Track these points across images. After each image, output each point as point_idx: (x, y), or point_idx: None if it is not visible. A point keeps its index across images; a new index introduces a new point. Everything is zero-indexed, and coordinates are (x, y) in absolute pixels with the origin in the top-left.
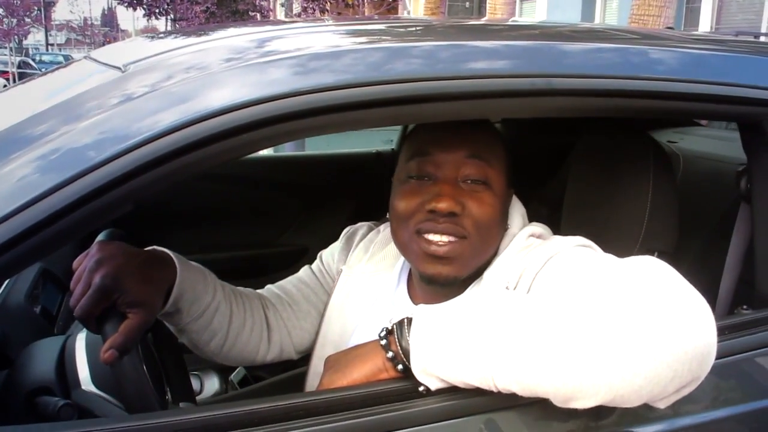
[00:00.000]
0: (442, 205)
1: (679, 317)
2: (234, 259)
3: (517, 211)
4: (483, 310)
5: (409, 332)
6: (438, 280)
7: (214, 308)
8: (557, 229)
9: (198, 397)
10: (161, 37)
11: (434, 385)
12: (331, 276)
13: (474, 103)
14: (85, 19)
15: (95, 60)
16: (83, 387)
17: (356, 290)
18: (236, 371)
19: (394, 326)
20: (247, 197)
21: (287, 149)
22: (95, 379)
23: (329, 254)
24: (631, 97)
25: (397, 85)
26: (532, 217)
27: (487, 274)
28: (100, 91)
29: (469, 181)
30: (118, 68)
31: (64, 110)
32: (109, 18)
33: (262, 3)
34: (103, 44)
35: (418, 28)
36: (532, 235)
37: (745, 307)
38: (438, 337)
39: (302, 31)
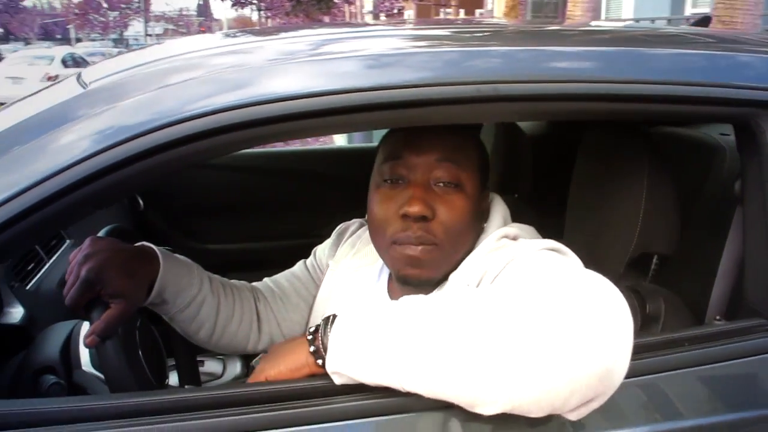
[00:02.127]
0: (414, 209)
1: (585, 337)
2: (282, 248)
3: (498, 212)
4: (402, 313)
5: (331, 329)
6: (412, 282)
7: (200, 300)
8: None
9: (219, 380)
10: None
11: (342, 381)
12: (322, 270)
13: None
14: (181, 10)
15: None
16: (83, 368)
17: (341, 284)
18: (258, 357)
19: (322, 322)
20: (296, 189)
21: (356, 140)
22: (94, 361)
23: (322, 249)
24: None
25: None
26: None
27: (453, 275)
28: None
29: (441, 184)
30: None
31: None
32: (204, 8)
33: None
34: (198, 33)
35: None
36: (505, 237)
37: (718, 317)
38: (353, 335)
39: (369, 34)
